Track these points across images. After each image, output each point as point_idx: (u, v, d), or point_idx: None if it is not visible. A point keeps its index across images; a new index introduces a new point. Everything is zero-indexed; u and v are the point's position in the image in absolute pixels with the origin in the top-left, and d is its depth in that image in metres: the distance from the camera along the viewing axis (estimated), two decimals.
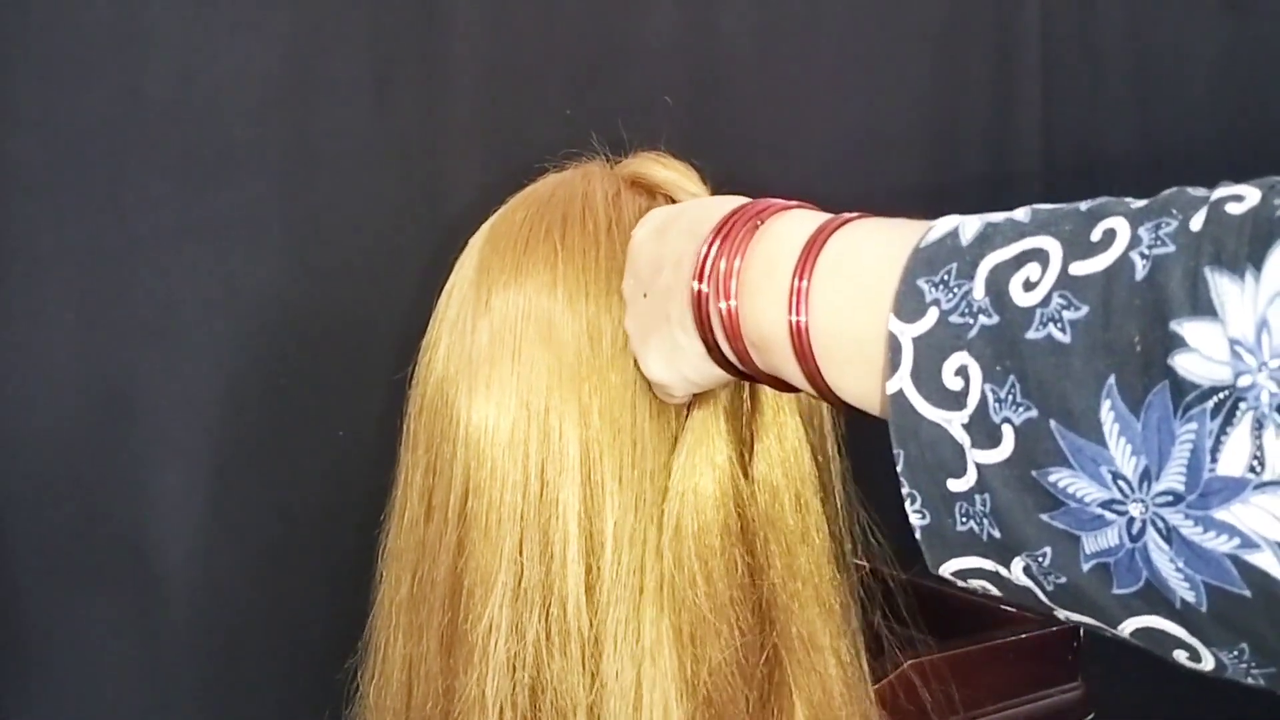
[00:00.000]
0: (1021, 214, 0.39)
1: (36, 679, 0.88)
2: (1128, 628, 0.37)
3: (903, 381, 0.39)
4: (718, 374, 0.51)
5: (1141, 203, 0.37)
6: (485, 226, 0.62)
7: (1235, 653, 0.35)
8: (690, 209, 0.53)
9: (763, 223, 0.47)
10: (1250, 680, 0.36)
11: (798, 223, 0.46)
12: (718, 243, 0.47)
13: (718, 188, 0.62)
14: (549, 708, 0.54)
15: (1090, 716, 0.96)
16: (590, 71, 1.04)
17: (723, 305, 0.47)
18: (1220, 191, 0.35)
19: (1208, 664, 0.36)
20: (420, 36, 0.97)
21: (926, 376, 0.38)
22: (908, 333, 0.39)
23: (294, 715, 0.92)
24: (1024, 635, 0.95)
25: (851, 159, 1.18)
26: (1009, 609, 1.00)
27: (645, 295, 0.53)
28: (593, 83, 1.04)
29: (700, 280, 0.47)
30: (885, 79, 1.21)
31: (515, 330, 0.56)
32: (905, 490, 0.40)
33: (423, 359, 0.61)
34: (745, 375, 0.49)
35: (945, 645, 0.87)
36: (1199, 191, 0.36)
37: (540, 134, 0.97)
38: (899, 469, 0.40)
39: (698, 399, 0.55)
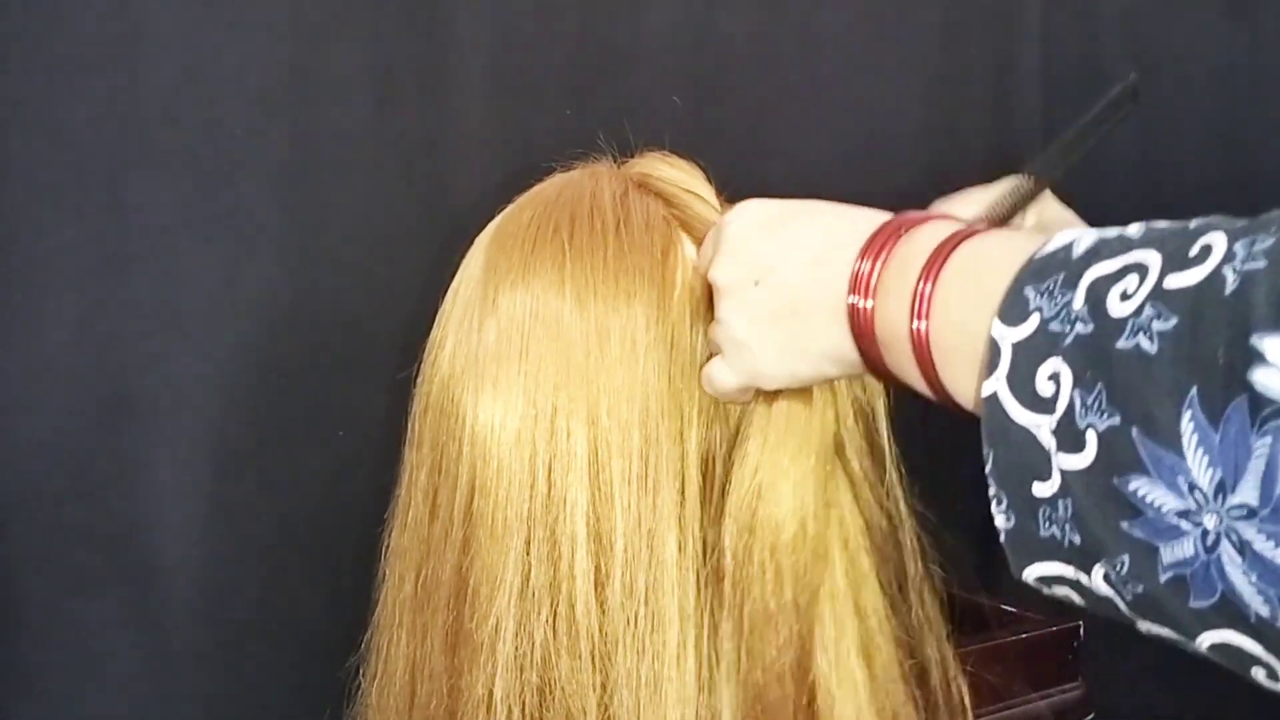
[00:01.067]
0: (1134, 229, 0.40)
1: (36, 679, 0.88)
2: (1205, 642, 0.37)
3: (998, 384, 0.40)
4: (830, 373, 0.52)
5: (1246, 221, 0.37)
6: (492, 226, 0.62)
7: None
8: (818, 209, 0.54)
9: (906, 231, 0.48)
10: None
11: (933, 230, 0.47)
12: (869, 253, 0.48)
13: (720, 187, 0.62)
14: (557, 708, 0.54)
15: (1090, 716, 0.96)
16: (591, 71, 1.04)
17: (861, 304, 0.48)
18: None
19: None
20: (421, 36, 0.97)
21: (1021, 380, 0.39)
22: (1008, 337, 0.40)
23: (295, 715, 0.92)
24: (1024, 635, 0.95)
25: (851, 159, 1.18)
26: (1009, 609, 1.00)
27: (757, 284, 0.53)
28: (594, 82, 1.04)
29: (855, 293, 0.48)
30: (885, 79, 1.21)
31: (523, 329, 0.56)
32: (992, 491, 0.41)
33: (428, 358, 0.61)
34: (879, 376, 0.50)
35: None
36: None
37: (541, 134, 0.97)
38: (988, 469, 0.41)
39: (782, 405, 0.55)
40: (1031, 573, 0.41)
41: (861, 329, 0.48)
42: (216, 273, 0.91)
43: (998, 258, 0.44)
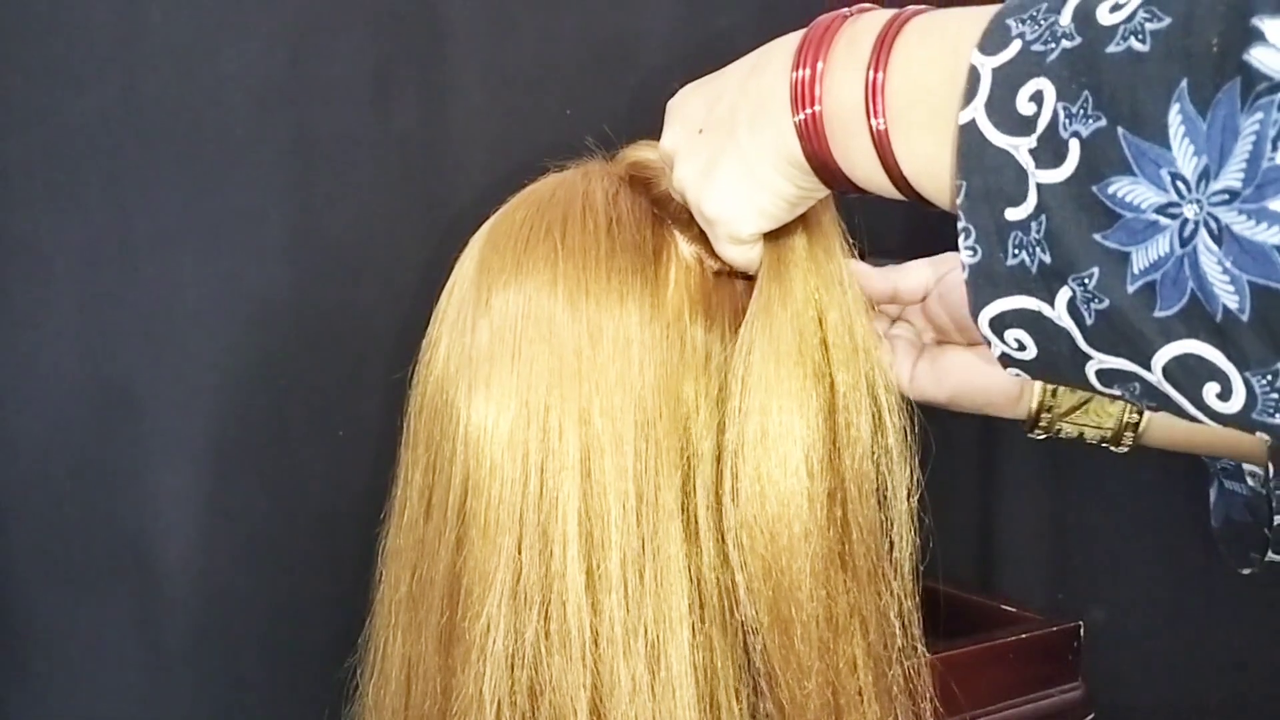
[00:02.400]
0: None
1: (36, 679, 0.88)
2: (1163, 358, 0.37)
3: (976, 111, 0.39)
4: (790, 191, 0.51)
5: None
6: (486, 226, 0.62)
7: (1268, 377, 0.35)
8: (741, 61, 0.54)
9: (839, 27, 0.47)
10: (1277, 419, 0.36)
11: (870, 18, 0.47)
12: (806, 60, 0.48)
13: None
14: (548, 708, 0.54)
15: (1090, 716, 0.96)
16: (590, 71, 1.04)
17: (804, 73, 0.47)
18: None
19: (1237, 399, 0.36)
20: (420, 37, 0.97)
21: (1000, 103, 0.39)
22: (988, 64, 0.39)
23: (294, 714, 0.92)
24: (1025, 635, 0.95)
25: None
26: (1009, 609, 1.00)
27: (700, 131, 0.53)
28: (594, 82, 1.04)
29: (798, 68, 0.48)
30: None
31: (515, 329, 0.56)
32: (961, 225, 0.40)
33: (423, 358, 0.61)
34: (832, 182, 0.49)
35: (946, 645, 0.87)
36: None
37: (540, 134, 0.97)
38: (959, 201, 0.40)
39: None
40: (989, 311, 0.41)
41: (811, 136, 0.47)
42: (216, 273, 0.91)
43: (962, 16, 0.43)
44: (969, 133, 0.40)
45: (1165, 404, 0.38)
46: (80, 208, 0.87)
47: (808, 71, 0.47)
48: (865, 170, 0.46)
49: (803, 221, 0.55)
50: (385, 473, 0.64)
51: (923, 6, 0.46)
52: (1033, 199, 0.38)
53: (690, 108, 0.55)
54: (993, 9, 0.42)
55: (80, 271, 0.88)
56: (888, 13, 0.46)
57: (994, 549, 1.23)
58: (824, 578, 0.54)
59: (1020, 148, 0.38)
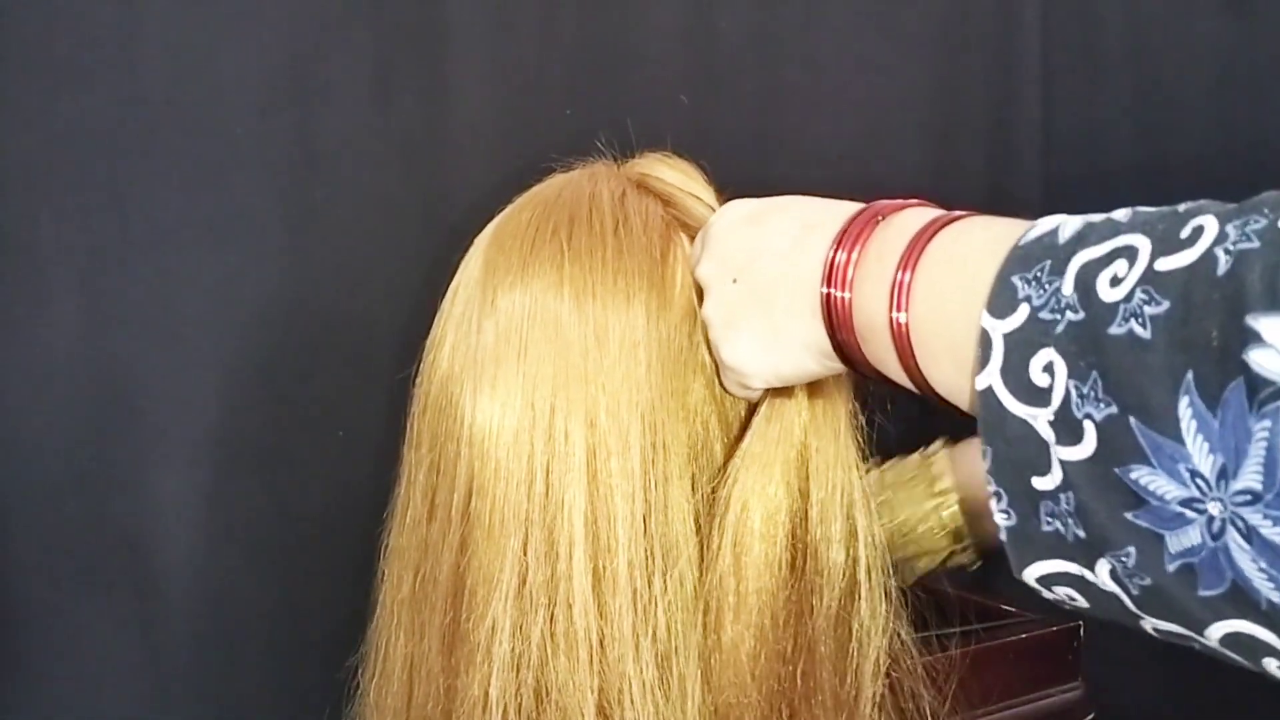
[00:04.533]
0: (1121, 214, 0.39)
1: (36, 679, 0.88)
2: (1216, 634, 0.36)
3: (992, 378, 0.39)
4: (811, 368, 0.51)
5: (1236, 205, 0.37)
6: (491, 226, 0.62)
7: None
8: (795, 202, 0.53)
9: (883, 218, 0.47)
10: None
11: (911, 218, 0.46)
12: (845, 242, 0.48)
13: (720, 187, 0.62)
14: (554, 710, 0.54)
15: (1090, 717, 0.96)
16: (591, 71, 1.04)
17: (837, 295, 0.47)
18: None
19: None
20: (421, 36, 0.97)
21: (1015, 372, 0.38)
22: (999, 329, 0.39)
23: (295, 714, 0.92)
24: (1024, 635, 0.95)
25: (851, 159, 1.18)
26: (1008, 609, 1.00)
27: (735, 281, 0.53)
28: (594, 82, 1.04)
29: (829, 284, 0.48)
30: (885, 79, 1.21)
31: (521, 330, 0.56)
32: (991, 489, 0.40)
33: (427, 358, 0.61)
34: (858, 368, 0.49)
35: (946, 645, 0.87)
36: None
37: (541, 134, 0.97)
38: (986, 467, 0.40)
39: (770, 409, 0.55)
40: (1033, 572, 0.41)
41: (838, 320, 0.47)
42: (216, 273, 0.91)
43: (980, 243, 0.43)
44: (988, 399, 0.39)
45: (1232, 664, 0.38)
46: (80, 208, 0.87)
47: (845, 294, 0.47)
48: (881, 360, 0.47)
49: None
50: (387, 473, 0.64)
51: (957, 216, 0.46)
52: (1058, 473, 0.38)
53: (730, 247, 0.54)
54: (999, 232, 0.42)
55: (80, 271, 0.88)
56: (911, 230, 0.45)
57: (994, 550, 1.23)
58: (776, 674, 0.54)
59: (1039, 419, 0.38)
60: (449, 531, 0.57)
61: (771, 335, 0.51)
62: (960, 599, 0.95)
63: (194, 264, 0.90)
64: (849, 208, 0.49)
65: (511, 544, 0.55)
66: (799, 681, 0.55)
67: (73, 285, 0.88)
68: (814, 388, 0.56)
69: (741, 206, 0.56)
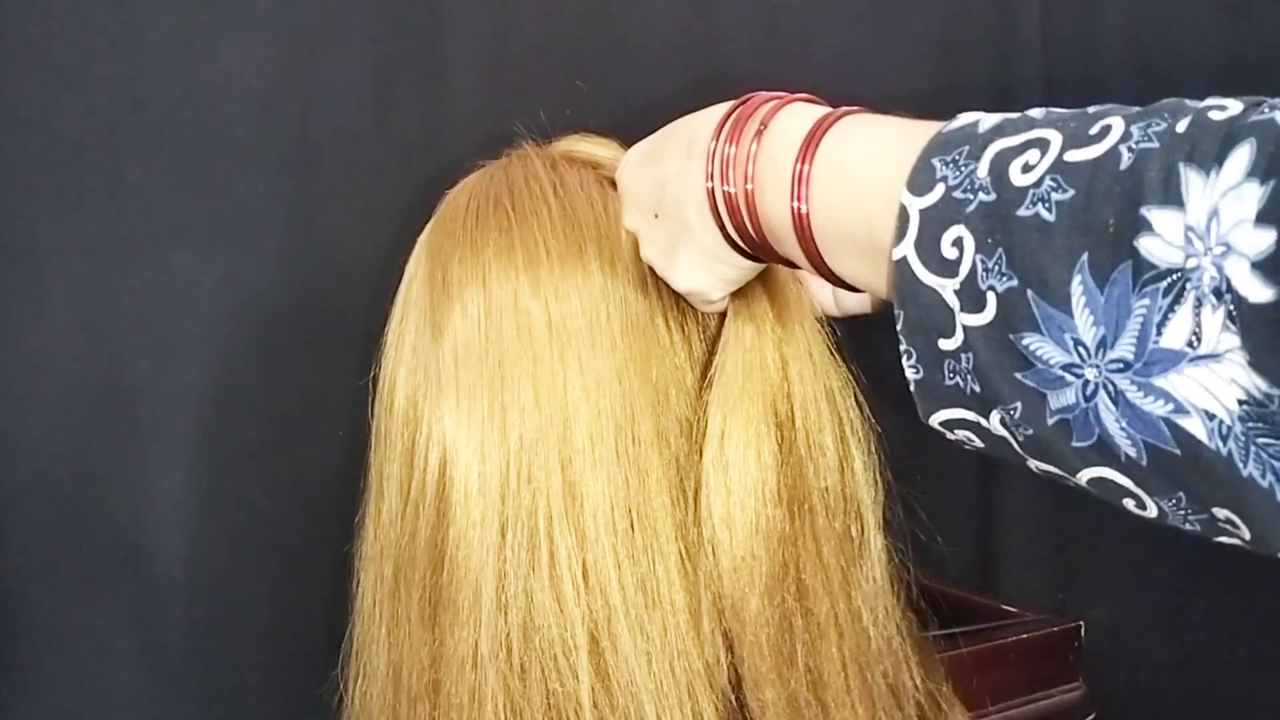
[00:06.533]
0: (1037, 111, 0.43)
1: (35, 678, 0.88)
2: (1084, 476, 0.41)
3: (907, 249, 0.43)
4: (748, 264, 0.54)
5: (1141, 109, 0.41)
6: (429, 226, 0.62)
7: (1173, 501, 0.39)
8: (677, 126, 0.56)
9: (766, 122, 0.50)
10: (1188, 526, 0.40)
11: (800, 114, 0.50)
12: (723, 139, 0.51)
13: None
14: (543, 645, 0.54)
15: (1091, 717, 0.96)
16: (591, 71, 1.04)
17: (736, 191, 0.50)
18: (1209, 101, 0.40)
19: (1151, 511, 0.41)
20: (420, 36, 0.97)
21: (927, 245, 0.42)
22: (917, 205, 0.43)
23: (294, 713, 0.92)
24: (1025, 635, 0.95)
25: None
26: (1009, 609, 1.00)
27: (656, 216, 0.55)
28: (593, 83, 1.04)
29: (712, 180, 0.51)
30: (885, 79, 1.21)
31: (480, 310, 0.57)
32: (903, 347, 0.44)
33: (387, 354, 0.61)
34: (768, 259, 0.52)
35: (947, 646, 0.87)
36: (1192, 102, 0.40)
37: (541, 134, 0.97)
38: (899, 328, 0.44)
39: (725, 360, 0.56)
40: (937, 418, 0.45)
41: (730, 210, 0.50)
42: (215, 273, 0.91)
43: (877, 138, 0.46)
44: (902, 269, 0.43)
45: (1097, 498, 0.42)
46: (80, 208, 0.87)
47: (747, 187, 0.50)
48: (784, 247, 0.50)
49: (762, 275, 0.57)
50: None
51: (844, 113, 0.49)
52: (960, 335, 0.42)
53: (640, 190, 0.57)
54: (912, 128, 0.45)
55: (80, 271, 0.88)
56: (807, 121, 0.49)
57: (994, 549, 1.23)
58: (784, 592, 0.55)
59: (946, 288, 0.42)
60: (424, 506, 0.57)
61: (701, 253, 0.54)
62: (960, 599, 0.95)
63: (193, 264, 0.90)
64: (722, 109, 0.53)
65: (490, 499, 0.55)
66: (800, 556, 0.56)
67: (73, 285, 0.88)
68: (774, 299, 0.58)
69: (639, 148, 0.59)
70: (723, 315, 0.58)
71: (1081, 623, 0.96)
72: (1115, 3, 1.31)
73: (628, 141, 0.65)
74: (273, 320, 0.93)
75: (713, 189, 0.51)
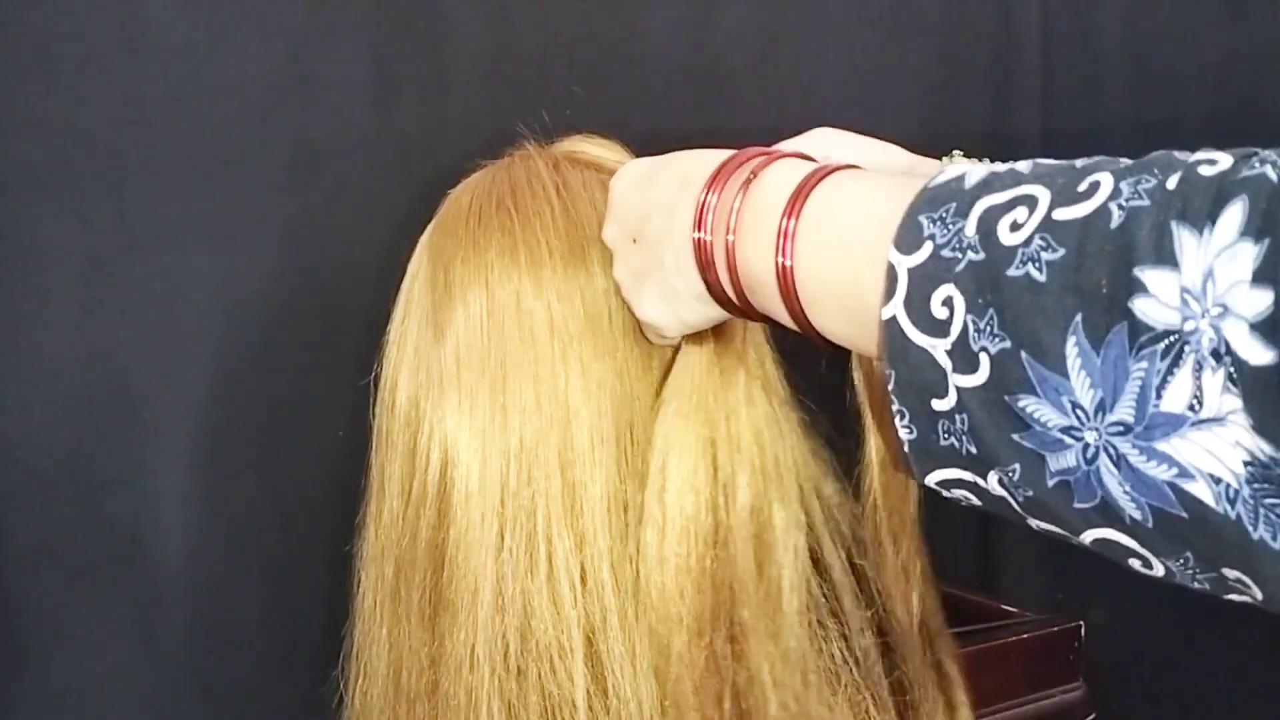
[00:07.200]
0: (1024, 165, 0.43)
1: (34, 678, 0.88)
2: (1088, 538, 0.40)
3: (896, 309, 0.42)
4: (713, 314, 0.53)
5: (1129, 162, 0.41)
6: (431, 226, 0.62)
7: (1180, 561, 0.38)
8: (677, 159, 0.55)
9: (755, 173, 0.49)
10: (1196, 585, 0.39)
11: (789, 169, 0.49)
12: (716, 190, 0.50)
13: None
14: (540, 650, 0.54)
15: (1091, 717, 0.96)
16: (591, 72, 1.04)
17: (719, 242, 0.49)
18: (1199, 155, 0.38)
19: (1158, 570, 0.40)
20: (420, 36, 0.97)
21: (917, 305, 0.41)
22: (904, 263, 0.42)
23: (294, 712, 0.92)
24: (1025, 636, 0.95)
25: None
26: (1009, 609, 1.00)
27: (635, 241, 0.54)
28: (594, 82, 1.04)
29: (700, 229, 0.50)
30: (885, 79, 1.21)
31: (482, 309, 0.57)
32: (895, 407, 0.43)
33: (389, 353, 0.61)
34: (742, 314, 0.52)
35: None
36: (1182, 155, 0.39)
37: (541, 134, 0.97)
38: (890, 388, 0.43)
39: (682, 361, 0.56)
40: (933, 478, 0.44)
41: (705, 261, 0.50)
42: (216, 273, 0.91)
43: (865, 194, 0.46)
44: (892, 328, 0.42)
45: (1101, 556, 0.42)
46: (80, 208, 0.87)
47: (728, 239, 0.49)
48: (781, 318, 0.49)
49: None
50: None
51: (833, 168, 0.48)
52: (953, 397, 0.41)
53: (627, 209, 0.56)
54: (899, 184, 0.44)
55: (80, 271, 0.88)
56: (795, 177, 0.48)
57: (994, 549, 1.23)
58: (713, 635, 0.53)
59: (938, 348, 0.41)
60: (425, 507, 0.57)
61: (668, 290, 0.53)
62: (961, 599, 0.95)
63: (193, 264, 0.90)
64: (720, 156, 0.52)
65: (490, 500, 0.55)
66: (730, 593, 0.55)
67: (73, 285, 0.87)
68: (720, 337, 0.57)
69: (637, 167, 0.57)
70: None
71: (1081, 623, 0.96)
72: (1115, 2, 1.31)
73: (629, 143, 0.65)
74: (273, 320, 0.93)
75: (699, 239, 0.50)
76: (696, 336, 0.56)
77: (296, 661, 0.94)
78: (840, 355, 0.58)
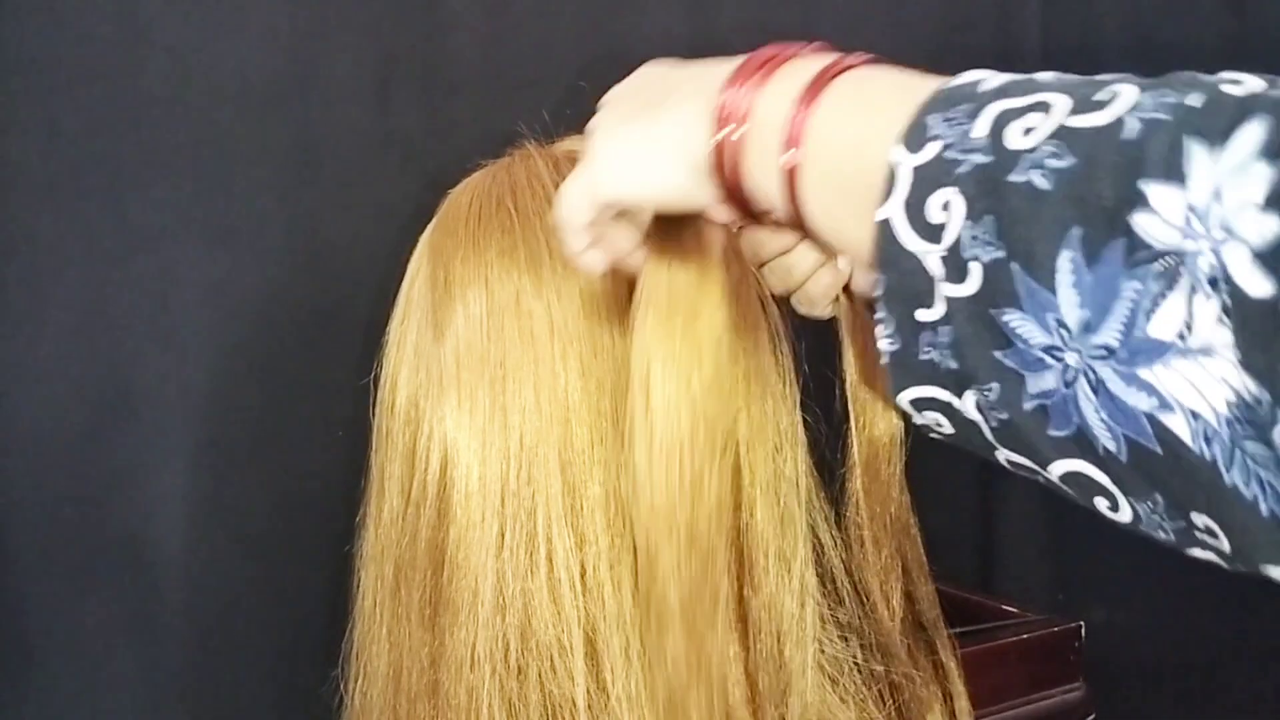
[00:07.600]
0: (1045, 75, 0.40)
1: (35, 678, 0.88)
2: (1057, 470, 0.39)
3: (893, 210, 0.40)
4: (680, 184, 0.49)
5: (1153, 79, 0.38)
6: (431, 225, 0.62)
7: (1149, 503, 0.37)
8: (681, 67, 0.52)
9: (783, 62, 0.47)
10: (1161, 534, 0.38)
11: (810, 61, 0.47)
12: (756, 63, 0.47)
13: None
14: (540, 649, 0.53)
15: (1091, 717, 0.96)
16: (591, 71, 1.04)
17: (743, 97, 0.46)
18: (1225, 75, 0.36)
19: (1125, 514, 0.38)
20: (420, 36, 0.97)
21: (915, 207, 0.39)
22: (910, 162, 0.40)
23: (294, 712, 0.92)
24: (1026, 636, 0.95)
25: None
26: (1010, 609, 1.00)
27: (633, 99, 0.52)
28: (594, 82, 1.04)
29: (733, 84, 0.47)
30: None
31: (482, 310, 0.56)
32: (880, 315, 0.41)
33: (389, 353, 0.61)
34: (725, 190, 0.48)
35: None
36: (1206, 76, 0.36)
37: (541, 134, 0.97)
38: (878, 294, 0.41)
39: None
40: (908, 395, 0.42)
41: (726, 160, 0.46)
42: (216, 273, 0.91)
43: (886, 87, 0.44)
44: (885, 231, 0.40)
45: (1067, 497, 0.40)
46: (80, 208, 0.87)
47: (739, 90, 0.47)
48: (767, 194, 0.46)
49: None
50: None
51: (861, 59, 0.46)
52: (940, 307, 0.39)
53: (628, 90, 0.54)
54: (916, 83, 0.43)
55: (80, 271, 0.88)
56: (810, 72, 0.46)
57: (994, 549, 1.23)
58: (709, 554, 0.52)
59: (930, 254, 0.39)
60: (425, 506, 0.57)
61: (647, 135, 0.50)
62: (961, 599, 0.95)
63: (193, 263, 0.90)
64: (743, 56, 0.49)
65: (490, 500, 0.55)
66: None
67: (73, 285, 0.87)
68: (688, 244, 0.53)
69: (620, 87, 0.55)
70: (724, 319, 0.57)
71: (1081, 623, 0.96)
72: (1115, 1, 1.31)
73: None
74: (273, 320, 0.93)
75: (732, 91, 0.47)
76: (662, 244, 0.53)
77: (296, 661, 0.94)
78: (827, 347, 0.58)
